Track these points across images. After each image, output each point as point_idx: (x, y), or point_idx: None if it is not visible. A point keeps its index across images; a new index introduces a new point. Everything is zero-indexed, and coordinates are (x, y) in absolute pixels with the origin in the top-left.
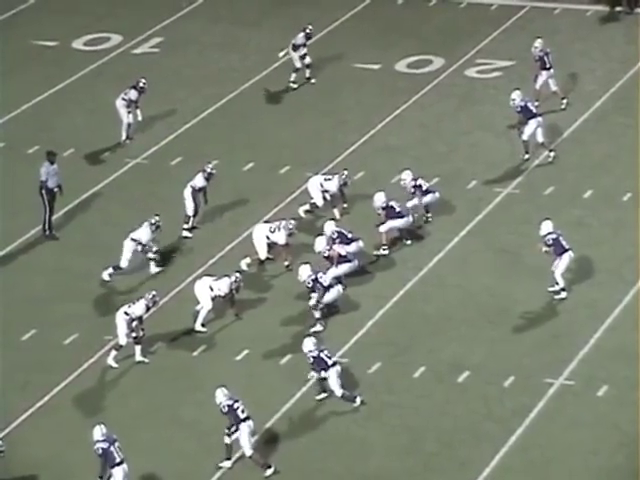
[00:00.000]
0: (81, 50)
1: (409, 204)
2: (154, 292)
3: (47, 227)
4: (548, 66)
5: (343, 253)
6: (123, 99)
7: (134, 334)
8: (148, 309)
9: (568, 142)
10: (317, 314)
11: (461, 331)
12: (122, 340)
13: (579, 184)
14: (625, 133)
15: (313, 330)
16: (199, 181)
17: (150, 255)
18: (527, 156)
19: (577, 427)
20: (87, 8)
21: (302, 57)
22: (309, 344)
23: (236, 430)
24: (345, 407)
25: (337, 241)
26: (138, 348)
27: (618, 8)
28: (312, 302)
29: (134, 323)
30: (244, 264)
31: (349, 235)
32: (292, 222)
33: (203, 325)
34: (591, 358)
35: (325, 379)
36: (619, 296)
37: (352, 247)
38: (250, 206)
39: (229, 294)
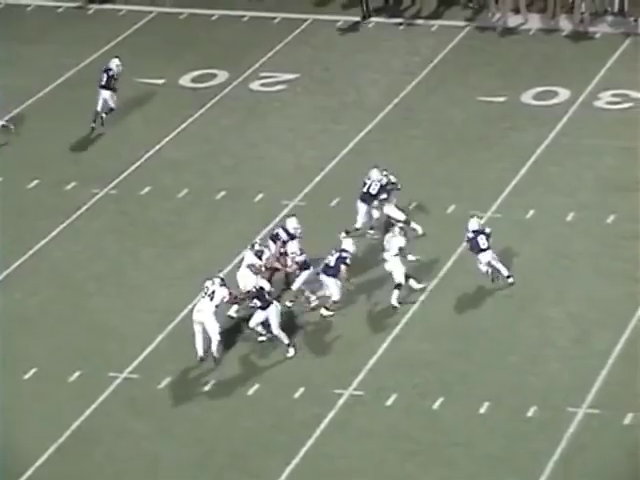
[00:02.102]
0: None
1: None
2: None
3: None
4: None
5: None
6: None
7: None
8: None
9: (353, 154)
10: (285, 340)
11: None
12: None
13: None
14: (410, 143)
15: (287, 356)
16: None
17: None
18: (93, 125)
19: (367, 437)
20: None
21: None
22: None
23: None
24: (136, 423)
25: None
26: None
27: (372, 18)
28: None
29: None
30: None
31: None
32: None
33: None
34: (379, 368)
35: None
36: (403, 305)
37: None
38: (36, 223)
39: (238, 294)
